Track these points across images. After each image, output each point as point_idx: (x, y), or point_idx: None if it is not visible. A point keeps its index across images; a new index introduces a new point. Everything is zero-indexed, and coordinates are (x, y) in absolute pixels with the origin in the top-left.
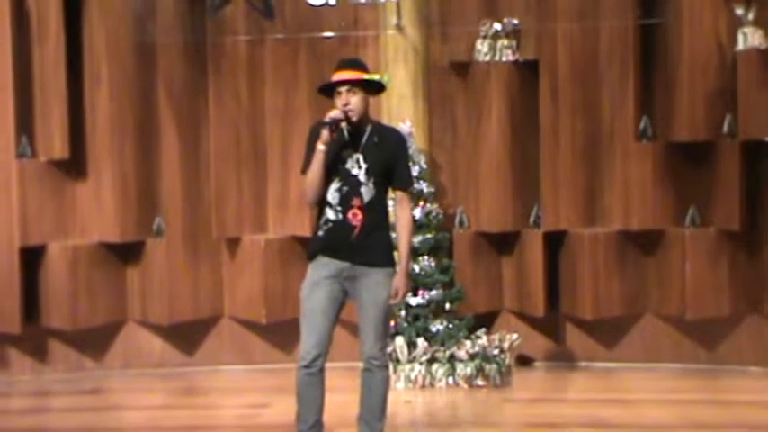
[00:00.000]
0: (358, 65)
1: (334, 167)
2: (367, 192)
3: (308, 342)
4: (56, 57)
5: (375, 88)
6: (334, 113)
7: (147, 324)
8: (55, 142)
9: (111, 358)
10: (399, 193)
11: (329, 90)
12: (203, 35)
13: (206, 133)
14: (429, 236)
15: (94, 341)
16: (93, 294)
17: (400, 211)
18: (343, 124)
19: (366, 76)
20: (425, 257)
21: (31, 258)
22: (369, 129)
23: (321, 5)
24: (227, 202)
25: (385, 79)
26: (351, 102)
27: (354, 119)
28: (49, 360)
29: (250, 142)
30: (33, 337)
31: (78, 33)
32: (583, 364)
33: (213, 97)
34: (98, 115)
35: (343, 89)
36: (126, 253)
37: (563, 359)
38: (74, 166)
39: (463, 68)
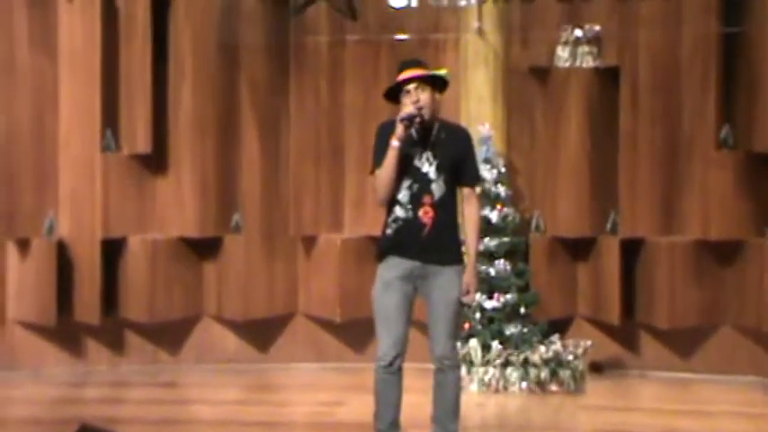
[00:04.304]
0: (422, 63)
1: (403, 166)
2: (438, 189)
3: (386, 343)
4: (142, 54)
5: (440, 85)
6: (409, 110)
7: (222, 319)
8: (138, 137)
9: (186, 352)
10: (467, 190)
11: (395, 93)
12: (286, 35)
13: (286, 132)
14: (505, 239)
15: (170, 334)
16: (170, 288)
17: (468, 207)
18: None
19: (433, 72)
20: (501, 261)
21: (112, 250)
22: (436, 126)
23: (402, 8)
24: (305, 200)
25: (444, 73)
26: (421, 98)
27: (426, 116)
28: (126, 351)
29: (329, 141)
30: (111, 328)
31: (165, 32)
32: (657, 373)
33: (294, 96)
34: (181, 112)
35: (411, 87)
36: (204, 248)
37: (637, 367)
38: (156, 160)
39: (543, 74)
